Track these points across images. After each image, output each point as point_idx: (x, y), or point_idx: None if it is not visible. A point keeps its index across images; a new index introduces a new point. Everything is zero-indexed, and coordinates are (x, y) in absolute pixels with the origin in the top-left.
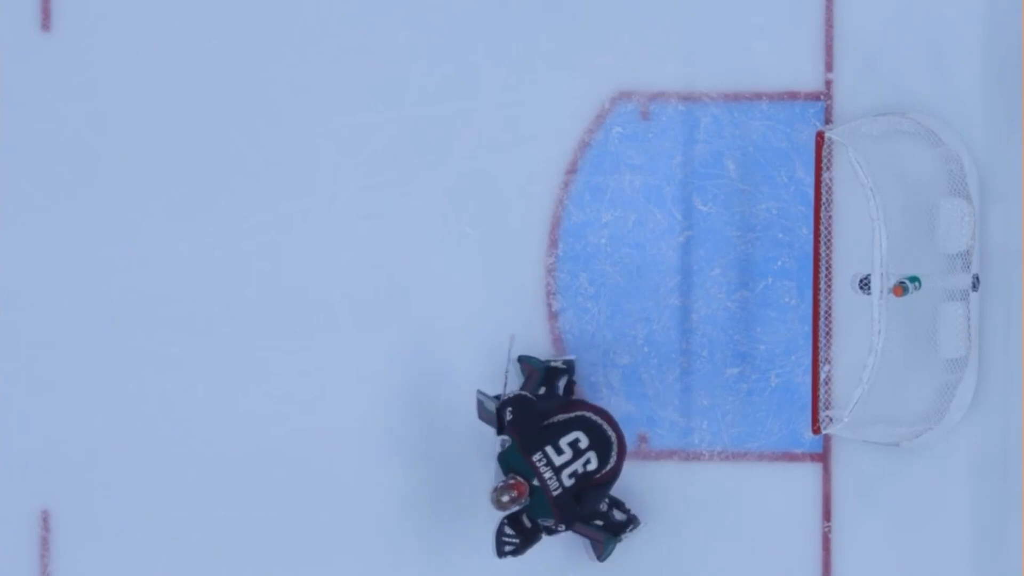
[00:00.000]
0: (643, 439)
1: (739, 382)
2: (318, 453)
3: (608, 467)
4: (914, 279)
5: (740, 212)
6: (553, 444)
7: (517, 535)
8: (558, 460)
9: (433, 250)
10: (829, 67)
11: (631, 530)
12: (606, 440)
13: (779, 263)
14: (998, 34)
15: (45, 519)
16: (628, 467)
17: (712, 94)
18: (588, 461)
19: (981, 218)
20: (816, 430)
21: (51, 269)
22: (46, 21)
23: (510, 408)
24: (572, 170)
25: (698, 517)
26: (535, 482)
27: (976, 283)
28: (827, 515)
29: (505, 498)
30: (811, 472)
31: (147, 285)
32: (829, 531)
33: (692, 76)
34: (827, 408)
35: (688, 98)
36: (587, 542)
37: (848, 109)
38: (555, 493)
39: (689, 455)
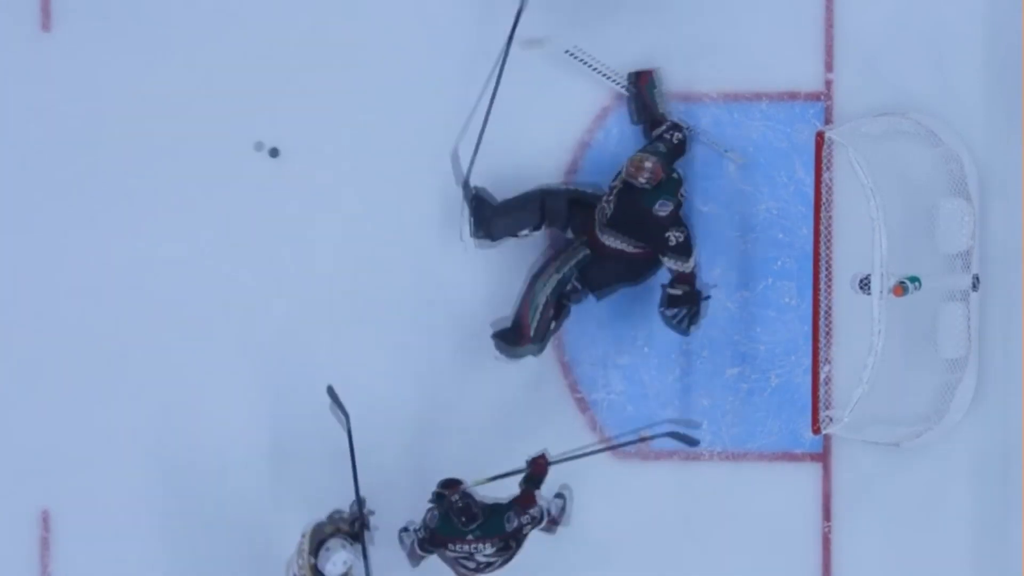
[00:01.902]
0: (643, 439)
1: (739, 382)
2: (319, 453)
3: None
4: (914, 279)
5: (740, 212)
6: None
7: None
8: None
9: (433, 250)
10: (829, 67)
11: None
12: None
13: (779, 263)
14: (998, 34)
15: (45, 519)
16: (628, 467)
17: (712, 94)
18: None
19: (981, 218)
20: (816, 430)
21: (51, 269)
22: (46, 21)
23: None
24: (572, 170)
25: (698, 517)
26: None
27: (976, 283)
28: (827, 515)
29: (649, 163)
30: (811, 472)
31: (147, 285)
32: (829, 531)
33: (692, 76)
34: (827, 408)
35: (688, 98)
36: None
37: (848, 109)
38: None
39: (689, 455)
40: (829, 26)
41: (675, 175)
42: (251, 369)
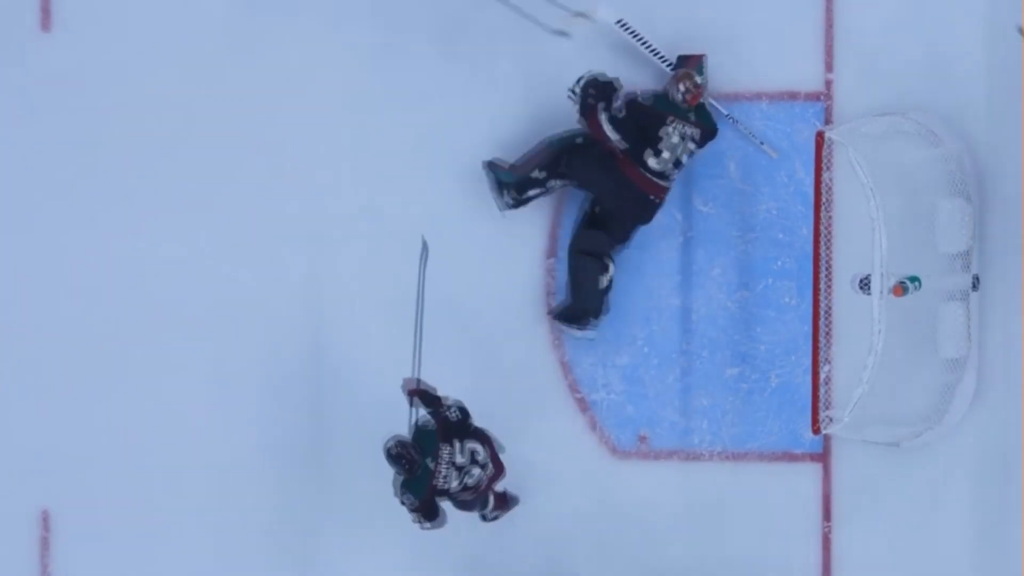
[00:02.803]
0: (643, 439)
1: (739, 382)
2: (319, 454)
3: None
4: (914, 279)
5: (740, 212)
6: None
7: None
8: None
9: (433, 251)
10: (829, 67)
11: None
12: None
13: (779, 263)
14: (998, 34)
15: (45, 519)
16: (629, 467)
17: (712, 95)
18: None
19: (981, 218)
20: (816, 430)
21: (50, 269)
22: (46, 21)
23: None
24: None
25: (698, 517)
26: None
27: (976, 283)
28: (827, 515)
29: (699, 80)
30: (811, 472)
31: (147, 285)
32: (829, 531)
33: None
34: (827, 408)
35: None
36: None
37: (848, 109)
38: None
39: (689, 455)
40: (829, 26)
41: (692, 122)
42: (251, 368)
